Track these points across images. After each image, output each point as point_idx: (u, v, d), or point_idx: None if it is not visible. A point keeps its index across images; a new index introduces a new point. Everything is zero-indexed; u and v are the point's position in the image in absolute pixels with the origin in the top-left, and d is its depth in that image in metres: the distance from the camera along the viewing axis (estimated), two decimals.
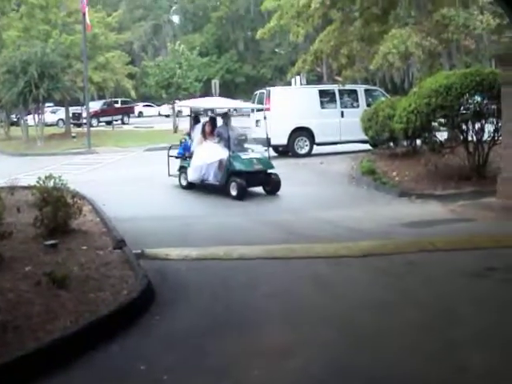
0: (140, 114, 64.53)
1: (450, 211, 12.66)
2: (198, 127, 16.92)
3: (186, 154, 17.03)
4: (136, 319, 6.45)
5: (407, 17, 24.34)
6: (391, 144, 19.51)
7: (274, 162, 16.39)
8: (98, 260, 8.32)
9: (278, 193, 15.58)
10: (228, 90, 69.41)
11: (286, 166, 19.34)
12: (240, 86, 76.25)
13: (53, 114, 51.78)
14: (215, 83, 43.44)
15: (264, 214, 13.12)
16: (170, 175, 17.31)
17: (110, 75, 41.73)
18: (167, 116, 54.53)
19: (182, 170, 16.86)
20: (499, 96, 13.43)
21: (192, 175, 16.08)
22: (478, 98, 14.97)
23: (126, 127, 49.80)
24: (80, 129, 41.63)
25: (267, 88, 25.04)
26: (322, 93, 24.23)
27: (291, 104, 23.09)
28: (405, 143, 18.64)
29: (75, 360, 5.49)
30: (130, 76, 48.48)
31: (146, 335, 6.14)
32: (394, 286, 7.72)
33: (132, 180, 18.52)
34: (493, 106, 14.60)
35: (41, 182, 10.02)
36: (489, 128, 15.09)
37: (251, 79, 75.51)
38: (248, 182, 15.10)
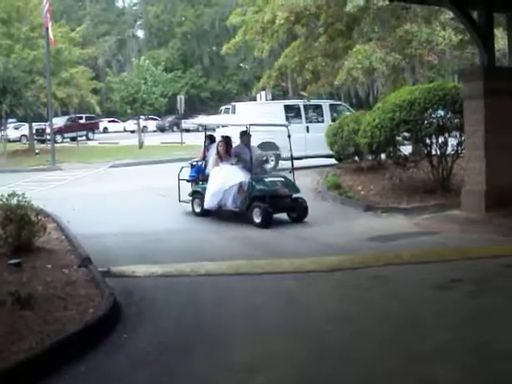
0: (105, 130, 64.33)
1: (415, 224, 12.76)
2: (214, 147, 15.16)
3: (199, 176, 15.42)
4: (103, 338, 6.36)
5: (371, 32, 24.60)
6: (356, 158, 19.65)
7: None
8: (64, 278, 8.20)
9: None
10: (193, 106, 69.48)
11: None
12: (205, 102, 76.38)
13: (16, 129, 51.35)
14: (180, 98, 43.53)
15: (230, 230, 13.08)
16: (180, 201, 15.39)
17: (74, 91, 41.47)
18: (132, 132, 54.34)
19: (196, 195, 14.96)
20: (462, 110, 13.64)
21: (208, 201, 14.14)
22: (441, 113, 15.16)
23: (90, 143, 49.45)
24: (44, 145, 41.34)
25: (232, 103, 25.09)
26: (288, 108, 24.36)
27: (256, 119, 23.11)
28: (370, 157, 18.77)
29: (40, 381, 5.40)
30: (95, 91, 48.27)
31: (114, 354, 6.07)
32: (361, 300, 7.75)
33: (97, 196, 18.30)
34: (456, 120, 14.79)
35: (4, 200, 9.87)
36: (452, 142, 15.27)
37: (216, 94, 75.76)
38: (273, 207, 13.30)
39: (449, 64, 25.81)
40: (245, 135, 14.62)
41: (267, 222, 13.01)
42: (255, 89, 25.65)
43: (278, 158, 23.23)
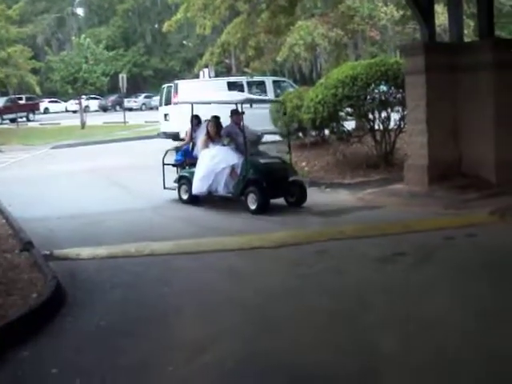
0: (46, 111, 63.01)
1: (358, 199, 12.89)
2: (202, 128, 13.67)
3: (186, 160, 14.02)
4: (47, 323, 6.27)
5: (314, 8, 24.61)
6: (300, 134, 19.67)
7: None
8: (5, 263, 8.06)
9: None
10: (136, 84, 68.75)
11: None
12: (148, 80, 75.65)
13: None
14: (122, 77, 42.95)
15: (175, 209, 13.01)
16: (165, 188, 13.94)
17: (12, 71, 40.57)
18: (74, 112, 53.50)
19: (183, 180, 13.55)
20: (404, 85, 13.78)
21: (197, 187, 12.86)
22: (383, 88, 15.28)
23: (31, 124, 48.42)
24: None
25: (175, 81, 24.87)
26: (231, 85, 24.21)
27: (199, 97, 22.95)
28: (313, 133, 18.81)
29: None
30: (34, 71, 47.25)
31: (58, 338, 5.99)
32: (305, 275, 7.80)
33: (39, 179, 17.98)
34: (398, 95, 14.94)
35: None
36: (395, 116, 15.43)
37: (159, 72, 74.98)
38: (269, 192, 12.17)
39: (391, 39, 26.05)
40: (236, 114, 13.26)
41: (264, 209, 11.90)
42: (198, 66, 25.47)
43: None
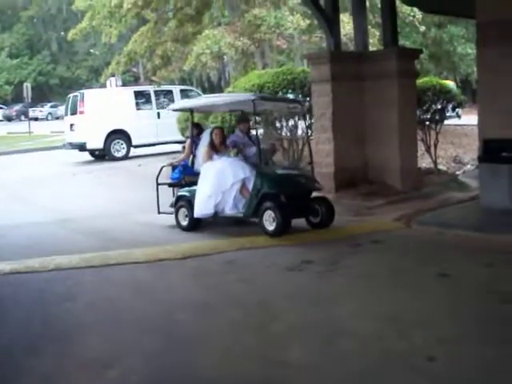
0: None
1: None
2: (205, 138, 11.55)
3: (185, 178, 11.79)
4: None
5: (221, 17, 24.69)
6: None
7: (90, 167, 15.88)
8: None
9: (93, 195, 14.73)
10: (42, 93, 67.22)
11: (103, 170, 18.94)
12: (54, 89, 74.01)
13: None
14: (27, 86, 41.92)
15: (80, 222, 12.64)
16: (160, 212, 11.98)
17: None
18: None
19: (181, 202, 11.36)
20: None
21: (200, 208, 10.73)
22: (290, 96, 15.36)
23: None
24: None
25: (81, 91, 24.42)
26: (138, 94, 23.97)
27: (106, 106, 22.63)
28: None
29: None
30: None
31: None
32: (213, 286, 7.70)
33: None
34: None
35: None
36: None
37: (66, 81, 73.53)
38: (290, 210, 10.10)
39: (298, 48, 26.32)
40: (243, 121, 11.76)
41: (285, 229, 9.94)
42: (104, 75, 25.09)
43: (129, 145, 22.85)
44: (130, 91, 24.38)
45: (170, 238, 10.65)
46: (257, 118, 15.28)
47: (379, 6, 15.77)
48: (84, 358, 5.65)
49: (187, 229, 11.11)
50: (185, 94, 24.68)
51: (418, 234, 10.10)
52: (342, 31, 17.39)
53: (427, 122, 15.81)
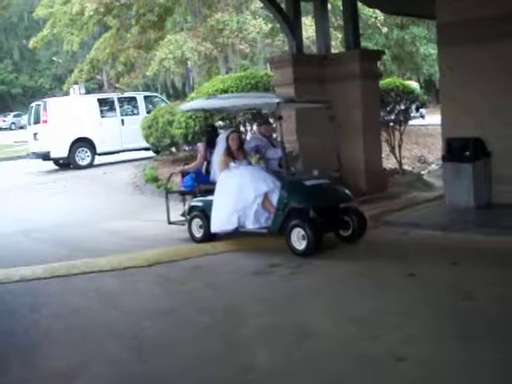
0: None
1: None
2: (221, 143, 10.41)
3: (199, 186, 10.83)
4: None
5: (184, 23, 24.63)
6: (173, 149, 19.49)
7: (55, 176, 15.68)
8: None
9: (58, 204, 14.48)
10: (5, 103, 66.51)
11: (68, 179, 18.75)
12: (17, 98, 73.23)
13: None
14: None
15: (45, 231, 12.47)
16: (170, 223, 11.24)
17: None
18: None
19: (195, 212, 10.48)
20: None
21: (219, 224, 9.87)
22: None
23: None
24: None
25: (44, 99, 24.17)
26: (101, 101, 23.77)
27: (70, 115, 22.41)
28: (186, 148, 18.67)
29: None
30: None
31: None
32: (179, 292, 7.66)
33: None
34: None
35: None
36: None
37: (29, 90, 72.82)
38: (322, 224, 9.13)
39: (261, 52, 26.33)
40: (265, 123, 10.81)
41: (316, 248, 8.85)
42: (67, 83, 24.86)
43: (94, 153, 22.65)
44: (93, 99, 24.16)
45: (136, 245, 10.52)
46: (221, 123, 15.33)
47: (341, 8, 15.80)
48: (49, 369, 5.56)
49: (201, 241, 10.25)
50: (149, 100, 24.55)
51: (384, 234, 10.12)
52: (305, 34, 17.47)
53: (391, 123, 15.90)
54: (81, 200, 15.69)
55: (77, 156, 22.40)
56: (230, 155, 10.00)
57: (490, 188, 11.21)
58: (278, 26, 18.85)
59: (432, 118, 20.43)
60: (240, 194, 9.54)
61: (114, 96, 24.12)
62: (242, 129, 15.32)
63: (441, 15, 11.72)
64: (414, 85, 24.04)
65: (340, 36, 22.19)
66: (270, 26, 23.39)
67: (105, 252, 10.03)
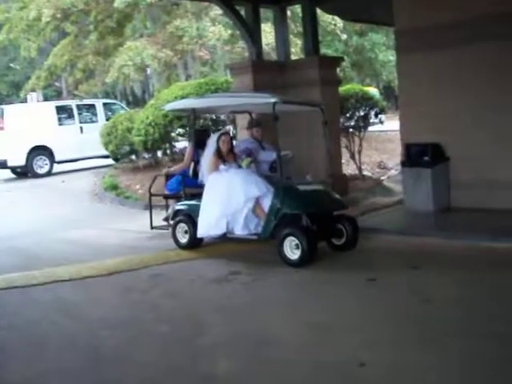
0: None
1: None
2: (210, 145, 9.90)
3: (185, 189, 10.35)
4: None
5: (143, 29, 24.51)
6: (133, 157, 19.33)
7: (12, 185, 15.41)
8: None
9: (16, 214, 14.17)
10: None
11: (26, 187, 18.47)
12: None
13: None
14: None
15: (2, 241, 12.14)
16: (153, 227, 10.99)
17: None
18: None
19: (180, 216, 10.06)
20: None
21: (206, 229, 9.47)
22: None
23: None
24: None
25: (0, 106, 23.80)
26: (60, 109, 23.42)
27: (27, 122, 22.06)
28: (146, 155, 18.52)
29: None
30: None
31: None
32: (140, 302, 7.56)
33: None
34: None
35: None
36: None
37: None
38: (315, 233, 8.74)
39: (221, 59, 26.30)
40: (257, 125, 10.49)
41: (311, 257, 8.48)
42: (24, 90, 24.55)
43: (52, 161, 22.35)
44: (51, 106, 23.78)
45: (96, 254, 10.37)
46: (180, 130, 15.26)
47: (301, 15, 15.85)
48: (4, 381, 5.46)
49: (186, 247, 9.89)
50: (108, 107, 24.31)
51: None
52: (264, 41, 17.46)
53: (351, 129, 15.96)
54: (39, 209, 15.45)
55: (35, 164, 22.04)
56: (220, 157, 9.65)
57: (449, 192, 11.33)
58: (237, 32, 18.83)
59: (391, 124, 20.57)
60: (230, 198, 9.16)
61: (73, 103, 23.80)
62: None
63: (399, 22, 11.83)
64: (373, 91, 24.20)
65: (300, 43, 22.22)
66: (229, 32, 23.37)
67: (64, 262, 9.87)
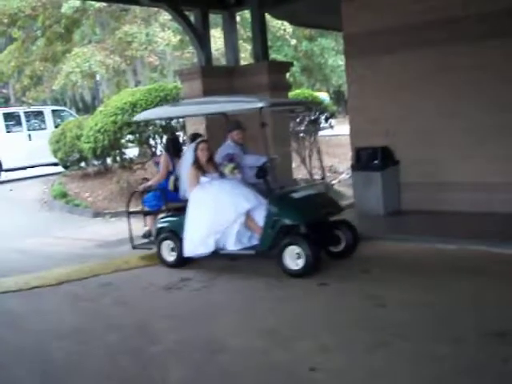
0: None
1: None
2: (188, 155, 9.10)
3: (167, 204, 9.64)
4: None
5: (92, 35, 24.27)
6: (82, 164, 19.07)
7: None
8: None
9: None
10: None
11: None
12: None
13: None
14: None
15: None
16: (134, 247, 9.99)
17: None
18: None
19: (164, 234, 9.34)
20: None
21: (193, 248, 8.75)
22: None
23: None
24: None
25: None
26: (7, 116, 22.93)
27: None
28: (96, 162, 18.28)
29: None
30: None
31: None
32: (88, 310, 7.48)
33: None
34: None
35: None
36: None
37: None
38: (316, 241, 8.25)
39: (170, 64, 26.20)
40: (237, 128, 9.74)
41: (314, 268, 8.01)
42: None
43: (0, 170, 21.93)
44: None
45: (45, 263, 10.18)
46: (130, 136, 15.11)
47: (250, 20, 15.86)
48: None
49: (175, 265, 9.11)
50: (57, 114, 23.93)
51: None
52: (214, 46, 17.44)
53: (301, 134, 16.01)
54: None
55: None
56: (200, 168, 8.83)
57: (399, 195, 11.44)
58: (187, 38, 18.78)
59: (342, 128, 20.71)
60: (217, 214, 8.48)
61: (21, 110, 23.38)
62: (152, 142, 15.14)
63: (347, 27, 11.91)
64: (323, 96, 24.35)
65: (249, 48, 22.29)
66: (179, 38, 23.31)
67: (11, 272, 9.69)
